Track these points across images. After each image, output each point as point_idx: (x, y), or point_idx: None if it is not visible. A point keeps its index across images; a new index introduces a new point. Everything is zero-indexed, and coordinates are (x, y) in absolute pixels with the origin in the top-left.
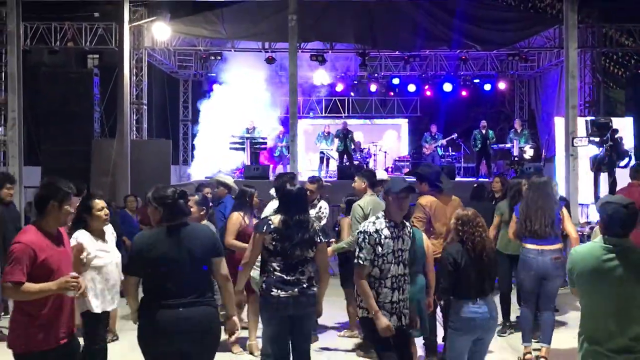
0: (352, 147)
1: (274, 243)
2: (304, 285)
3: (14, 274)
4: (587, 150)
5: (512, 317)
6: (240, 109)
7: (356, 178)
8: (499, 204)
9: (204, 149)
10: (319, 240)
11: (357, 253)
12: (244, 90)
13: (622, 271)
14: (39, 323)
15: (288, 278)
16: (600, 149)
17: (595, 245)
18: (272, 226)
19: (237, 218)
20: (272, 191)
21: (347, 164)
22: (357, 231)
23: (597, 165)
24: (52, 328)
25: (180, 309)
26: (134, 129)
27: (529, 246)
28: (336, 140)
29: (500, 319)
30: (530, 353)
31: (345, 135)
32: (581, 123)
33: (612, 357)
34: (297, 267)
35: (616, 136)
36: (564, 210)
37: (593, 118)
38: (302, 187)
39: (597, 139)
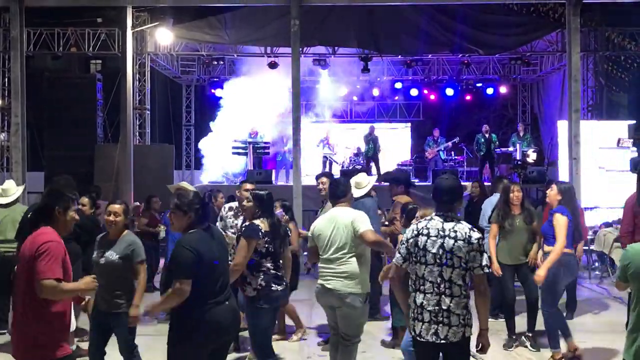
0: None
1: (266, 246)
2: (286, 281)
3: (54, 270)
4: (589, 155)
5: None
6: (247, 113)
7: (325, 179)
8: (494, 211)
9: (214, 154)
10: (288, 234)
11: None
12: (251, 95)
13: None
14: (62, 328)
15: (280, 274)
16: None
17: None
18: (263, 230)
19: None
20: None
21: (359, 167)
22: (479, 237)
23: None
24: (68, 332)
25: (226, 302)
26: (137, 134)
27: (572, 250)
28: (364, 145)
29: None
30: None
31: (374, 140)
32: (623, 126)
33: None
34: (280, 263)
35: None
36: None
37: (635, 122)
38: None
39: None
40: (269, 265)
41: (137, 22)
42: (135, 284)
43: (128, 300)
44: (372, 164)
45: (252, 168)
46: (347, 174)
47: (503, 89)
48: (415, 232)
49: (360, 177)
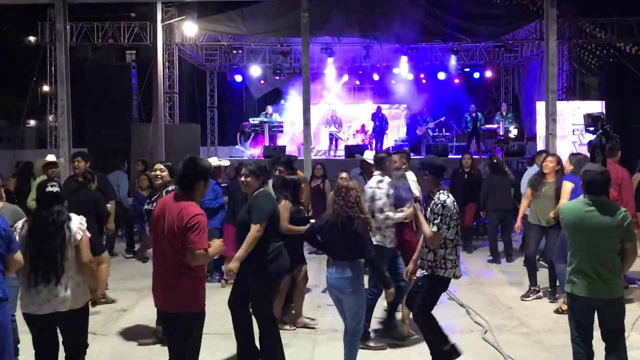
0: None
1: None
2: None
3: (204, 241)
4: (566, 132)
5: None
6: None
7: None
8: (530, 177)
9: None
10: None
11: None
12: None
13: (599, 218)
14: (203, 283)
15: None
16: (594, 136)
17: (580, 200)
18: None
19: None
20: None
21: (361, 143)
22: None
23: (593, 149)
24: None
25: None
26: (167, 115)
27: None
28: (371, 124)
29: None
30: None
31: (379, 119)
32: (594, 106)
33: (588, 276)
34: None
35: (606, 125)
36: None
37: (590, 112)
38: None
39: (591, 128)
40: None
41: (166, 16)
42: None
43: None
44: (374, 141)
45: (268, 144)
46: (351, 149)
47: (488, 73)
48: (455, 204)
49: None
